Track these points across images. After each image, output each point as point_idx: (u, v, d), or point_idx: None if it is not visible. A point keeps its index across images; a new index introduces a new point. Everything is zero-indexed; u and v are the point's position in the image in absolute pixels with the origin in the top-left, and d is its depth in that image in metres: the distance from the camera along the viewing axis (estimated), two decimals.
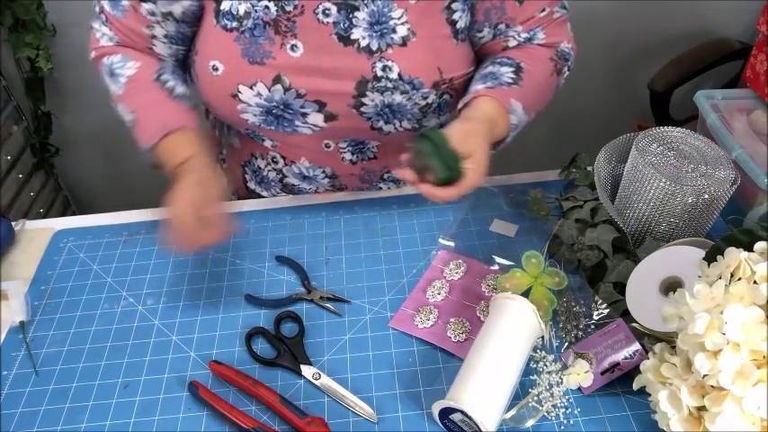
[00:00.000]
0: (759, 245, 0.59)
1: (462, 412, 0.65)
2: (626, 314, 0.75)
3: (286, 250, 0.92)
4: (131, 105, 0.87)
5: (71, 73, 1.75)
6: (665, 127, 0.84)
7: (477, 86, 0.86)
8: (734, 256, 0.59)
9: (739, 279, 0.57)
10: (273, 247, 0.92)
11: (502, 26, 0.89)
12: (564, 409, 0.70)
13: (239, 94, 0.86)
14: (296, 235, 0.94)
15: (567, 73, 0.96)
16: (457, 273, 0.86)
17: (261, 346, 0.79)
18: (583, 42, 1.83)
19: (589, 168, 0.95)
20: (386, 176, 1.02)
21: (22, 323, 0.83)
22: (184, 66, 0.94)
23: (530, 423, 0.68)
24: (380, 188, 1.03)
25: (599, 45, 1.82)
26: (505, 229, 0.93)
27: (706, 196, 0.75)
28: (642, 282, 0.75)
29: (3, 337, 0.82)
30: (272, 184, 1.02)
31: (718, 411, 0.54)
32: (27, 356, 0.79)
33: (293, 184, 1.02)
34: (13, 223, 0.97)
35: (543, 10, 0.89)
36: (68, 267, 0.91)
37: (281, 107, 0.87)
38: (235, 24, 0.83)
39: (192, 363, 0.78)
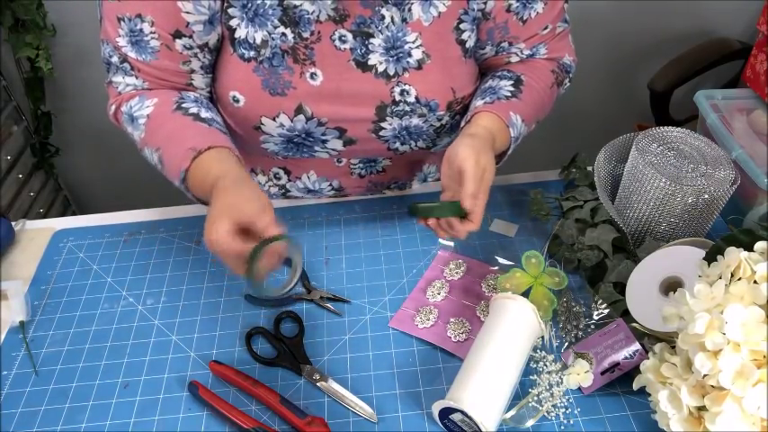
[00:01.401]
0: (759, 245, 0.59)
1: (462, 412, 0.65)
2: (626, 314, 0.75)
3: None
4: (155, 143, 0.79)
5: (71, 73, 1.75)
6: (665, 127, 0.84)
7: (477, 103, 0.86)
8: (734, 255, 0.59)
9: (739, 279, 0.57)
10: None
11: (505, 44, 0.89)
12: (564, 409, 0.70)
13: (262, 126, 0.85)
14: (296, 235, 0.94)
15: (568, 84, 0.97)
16: (457, 273, 0.86)
17: (261, 346, 0.79)
18: (583, 42, 1.83)
19: (589, 168, 0.95)
20: (392, 186, 1.02)
21: (22, 323, 0.83)
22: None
23: (530, 423, 0.68)
24: (384, 194, 1.03)
25: (599, 45, 1.83)
26: (505, 229, 0.93)
27: (706, 196, 0.75)
28: (642, 282, 0.75)
29: (3, 337, 0.82)
30: (273, 197, 1.02)
31: (719, 411, 0.54)
32: (27, 356, 0.79)
33: (296, 197, 1.01)
34: (13, 223, 0.97)
35: (546, 27, 0.89)
36: (68, 267, 0.91)
37: (303, 136, 0.86)
38: (252, 54, 0.81)
39: (191, 363, 0.78)
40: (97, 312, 0.84)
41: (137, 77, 0.82)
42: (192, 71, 0.83)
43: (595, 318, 0.76)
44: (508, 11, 0.85)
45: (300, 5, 0.80)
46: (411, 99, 0.84)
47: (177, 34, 0.78)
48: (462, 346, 0.76)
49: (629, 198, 0.82)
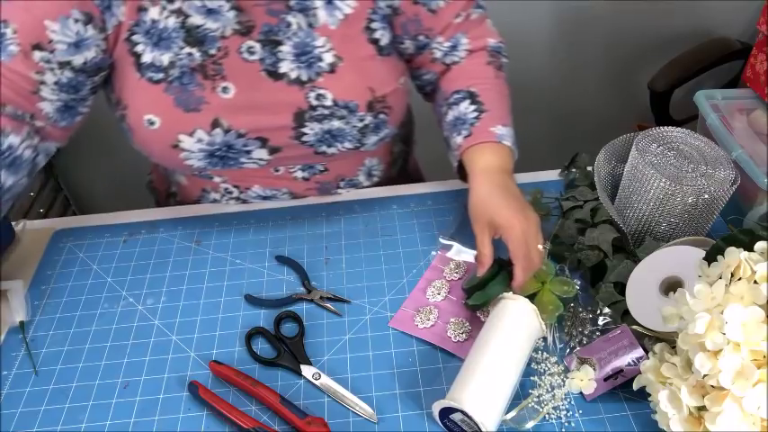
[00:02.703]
0: (759, 245, 0.59)
1: (462, 412, 0.65)
2: (626, 314, 0.75)
3: (286, 250, 0.92)
4: None
5: None
6: (665, 127, 0.84)
7: (456, 140, 0.86)
8: (734, 255, 0.59)
9: (739, 279, 0.57)
10: (273, 247, 0.92)
11: (422, 38, 0.90)
12: (565, 411, 0.70)
13: (180, 143, 0.84)
14: (296, 235, 0.94)
15: (506, 61, 0.96)
16: (457, 273, 0.86)
17: (261, 346, 0.79)
18: (583, 42, 1.84)
19: (589, 168, 0.95)
20: (341, 185, 1.01)
21: (22, 323, 0.83)
22: (68, 112, 0.84)
23: (530, 425, 0.68)
24: (340, 193, 1.02)
25: (599, 45, 1.83)
26: None
27: (706, 196, 0.75)
28: (642, 282, 0.75)
29: (3, 337, 0.82)
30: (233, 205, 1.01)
31: (719, 411, 0.54)
32: (27, 356, 0.79)
33: (255, 203, 1.01)
34: (13, 223, 0.97)
35: (458, 15, 0.89)
36: (68, 267, 0.91)
37: (224, 149, 0.86)
38: (161, 75, 0.81)
39: (191, 363, 0.78)
40: (97, 312, 0.84)
41: None
42: (43, 82, 0.79)
43: (600, 323, 0.76)
44: (416, 3, 0.86)
45: (203, 24, 0.80)
46: (328, 103, 0.84)
47: (37, 47, 0.77)
48: (462, 347, 0.76)
49: (629, 198, 0.82)
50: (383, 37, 0.86)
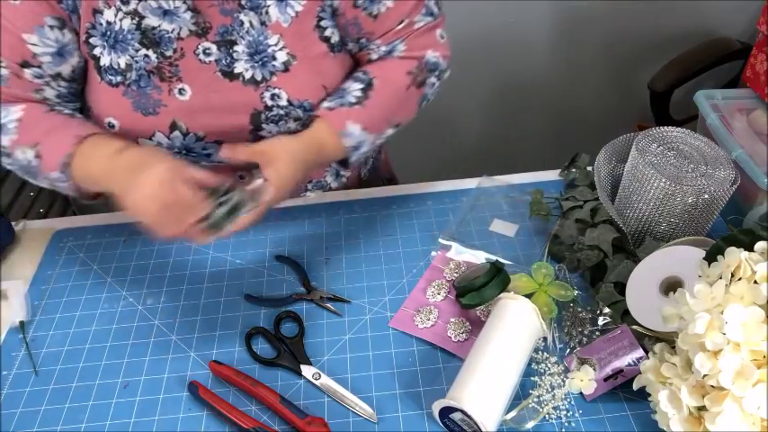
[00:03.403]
0: (759, 245, 0.59)
1: (462, 411, 0.65)
2: (626, 314, 0.75)
3: (286, 250, 0.92)
4: (32, 139, 0.79)
5: None
6: (665, 127, 0.84)
7: (324, 103, 0.85)
8: (734, 255, 0.59)
9: (740, 279, 0.57)
10: (273, 246, 0.92)
11: (363, 40, 0.89)
12: (565, 411, 0.70)
13: None
14: (296, 235, 0.94)
15: (437, 83, 0.93)
16: (457, 273, 0.86)
17: (261, 346, 0.79)
18: (583, 42, 1.84)
19: (589, 168, 0.95)
20: (309, 187, 1.01)
21: (22, 323, 0.83)
22: (84, 114, 0.88)
23: (530, 425, 0.68)
24: (307, 196, 1.01)
25: (599, 45, 1.83)
26: (505, 229, 0.93)
27: (706, 196, 0.75)
28: (642, 282, 0.75)
29: (3, 337, 0.82)
30: None
31: (719, 411, 0.54)
32: (27, 356, 0.79)
33: None
34: (13, 223, 0.97)
35: (401, 22, 0.87)
36: (68, 267, 0.91)
37: (184, 152, 0.87)
38: (119, 78, 0.82)
39: (191, 363, 0.78)
40: (97, 312, 0.84)
41: None
42: (46, 99, 0.83)
43: (600, 324, 0.76)
44: (356, 7, 0.85)
45: (159, 26, 0.80)
46: (283, 102, 0.84)
47: (25, 64, 0.79)
48: (463, 346, 0.76)
49: (629, 198, 0.82)
50: (333, 35, 0.86)
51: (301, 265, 0.88)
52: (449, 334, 0.78)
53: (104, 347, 0.80)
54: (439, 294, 0.83)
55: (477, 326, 0.78)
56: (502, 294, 0.75)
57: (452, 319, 0.79)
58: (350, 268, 0.88)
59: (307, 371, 0.75)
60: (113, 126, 0.84)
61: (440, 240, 0.91)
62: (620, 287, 0.77)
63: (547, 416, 0.70)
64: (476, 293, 0.76)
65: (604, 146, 0.89)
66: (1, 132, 0.81)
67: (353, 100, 0.85)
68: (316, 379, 0.74)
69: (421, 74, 0.90)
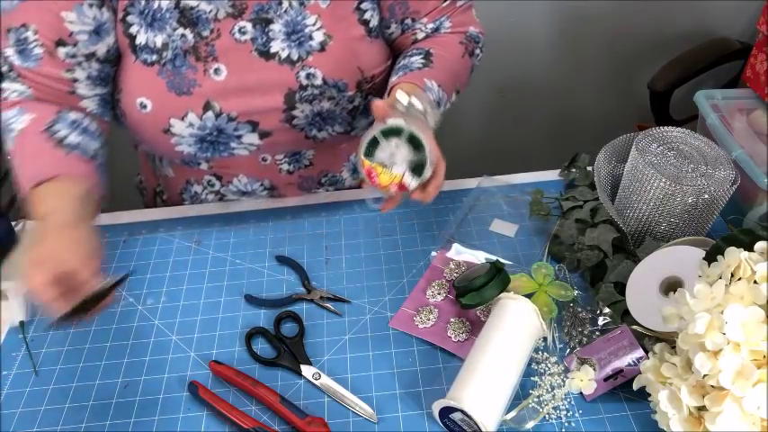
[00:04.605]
0: (759, 245, 0.59)
1: (462, 411, 0.65)
2: (626, 314, 0.75)
3: (286, 250, 0.92)
4: (17, 157, 0.80)
5: None
6: (665, 127, 0.84)
7: (392, 79, 0.87)
8: (734, 255, 0.59)
9: (739, 279, 0.57)
10: (273, 247, 0.92)
11: (408, 20, 0.91)
12: (565, 411, 0.70)
13: (171, 128, 0.85)
14: (296, 235, 0.94)
15: (480, 55, 0.98)
16: (457, 273, 0.86)
17: (261, 346, 0.79)
18: (583, 42, 1.84)
19: (589, 168, 0.95)
20: (323, 181, 1.02)
21: (22, 323, 0.83)
22: (106, 107, 0.88)
23: (530, 425, 0.68)
24: (319, 192, 1.02)
25: (599, 45, 1.83)
26: (505, 229, 0.93)
27: (706, 196, 0.75)
28: (642, 282, 0.75)
29: (3, 337, 0.82)
30: (210, 203, 1.02)
31: (719, 411, 0.54)
32: (27, 356, 0.79)
33: (232, 200, 1.01)
34: (13, 223, 0.97)
35: (445, 0, 0.91)
36: None
37: (215, 133, 0.87)
38: (155, 57, 0.82)
39: (191, 363, 0.78)
40: None
41: (22, 83, 0.82)
42: (76, 80, 0.82)
43: (600, 324, 0.76)
44: None
45: (197, 6, 0.81)
46: (318, 82, 0.85)
47: (60, 42, 0.79)
48: (463, 346, 0.76)
49: (629, 198, 0.82)
50: (372, 18, 0.87)
51: (301, 265, 0.88)
52: (449, 334, 0.78)
53: (104, 347, 0.80)
54: (439, 294, 0.83)
55: (477, 326, 0.78)
56: (502, 294, 0.75)
57: (452, 319, 0.79)
58: (350, 268, 0.88)
59: (307, 371, 0.75)
60: (145, 106, 0.84)
61: (440, 240, 0.91)
62: (620, 287, 0.77)
63: (547, 416, 0.70)
64: (476, 293, 0.76)
65: (604, 146, 0.89)
66: (9, 136, 0.82)
67: (420, 65, 0.87)
68: (316, 379, 0.74)
69: (470, 44, 0.94)
